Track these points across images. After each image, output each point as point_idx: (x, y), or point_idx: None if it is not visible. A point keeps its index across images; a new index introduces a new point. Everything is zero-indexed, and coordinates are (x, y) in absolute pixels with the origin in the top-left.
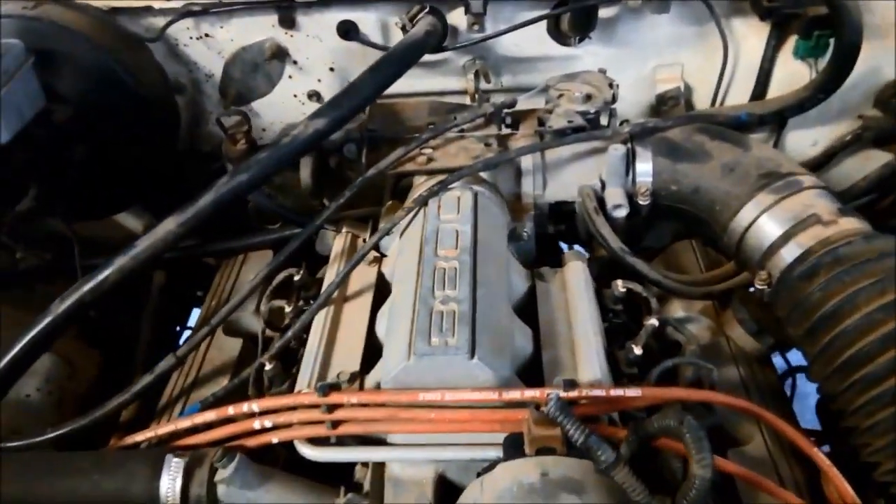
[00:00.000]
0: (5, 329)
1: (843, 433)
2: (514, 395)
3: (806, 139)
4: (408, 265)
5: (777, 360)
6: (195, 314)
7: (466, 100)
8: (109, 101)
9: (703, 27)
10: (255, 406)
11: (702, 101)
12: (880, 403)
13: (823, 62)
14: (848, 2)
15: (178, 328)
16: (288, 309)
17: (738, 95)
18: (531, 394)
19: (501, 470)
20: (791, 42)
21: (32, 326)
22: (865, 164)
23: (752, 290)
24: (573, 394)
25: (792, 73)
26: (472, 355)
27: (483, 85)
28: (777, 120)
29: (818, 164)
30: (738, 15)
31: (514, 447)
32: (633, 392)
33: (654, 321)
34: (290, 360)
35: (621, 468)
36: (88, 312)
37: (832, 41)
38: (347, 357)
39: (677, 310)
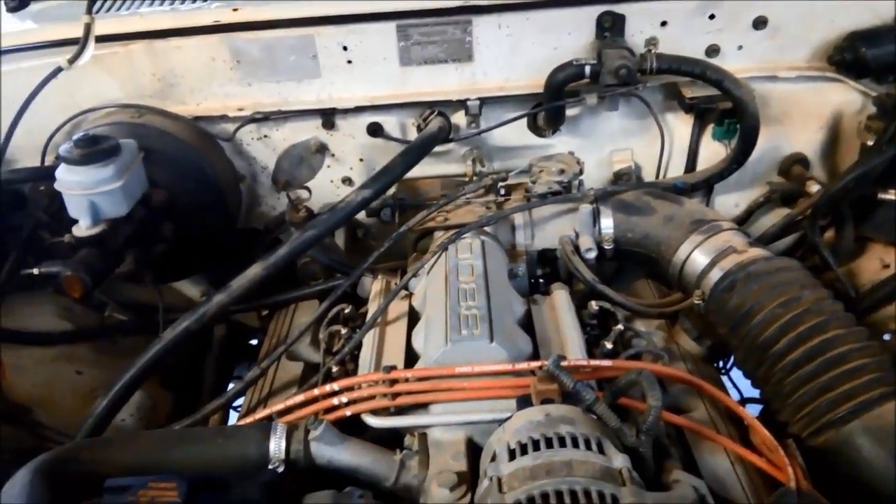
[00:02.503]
0: (93, 369)
1: (764, 403)
2: (523, 365)
3: (730, 201)
4: (437, 291)
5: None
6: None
7: (467, 180)
8: (192, 188)
9: (645, 120)
10: (336, 385)
11: (648, 176)
12: (784, 372)
13: (734, 142)
14: (746, 97)
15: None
16: (343, 332)
17: (675, 170)
18: (535, 364)
19: (516, 417)
20: (710, 128)
21: (148, 350)
22: (776, 219)
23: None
24: (563, 363)
25: (712, 152)
26: (492, 340)
27: (478, 168)
28: (705, 186)
29: (741, 221)
30: (670, 110)
31: (524, 403)
32: (606, 363)
33: (621, 326)
34: (344, 375)
35: (601, 405)
36: (189, 341)
37: (738, 126)
38: (393, 363)
39: (639, 327)
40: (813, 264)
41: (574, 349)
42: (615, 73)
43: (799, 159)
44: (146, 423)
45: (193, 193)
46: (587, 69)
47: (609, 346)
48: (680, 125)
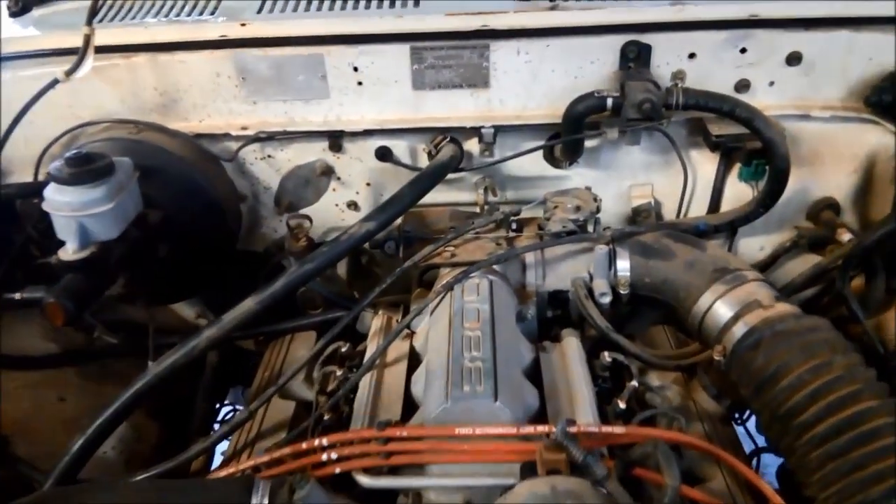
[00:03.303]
0: (77, 396)
1: (789, 473)
2: (528, 429)
3: (754, 245)
4: (439, 336)
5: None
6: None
7: (477, 209)
8: (190, 208)
9: (668, 156)
10: (325, 441)
11: (669, 214)
12: (811, 445)
13: (762, 184)
14: (776, 138)
15: (216, 405)
16: (338, 372)
17: (697, 209)
18: (542, 429)
19: (519, 487)
20: (736, 168)
21: (134, 383)
22: (803, 265)
23: (711, 361)
24: (572, 429)
25: (738, 192)
26: (496, 399)
27: (490, 198)
28: (729, 229)
29: (765, 266)
30: (694, 147)
31: (529, 471)
32: (619, 430)
33: (635, 383)
34: (338, 417)
35: (612, 480)
36: (179, 374)
37: (767, 167)
38: (389, 411)
39: (653, 379)
40: (839, 315)
41: (584, 409)
42: (638, 108)
43: (829, 204)
44: (129, 457)
45: (191, 214)
46: (609, 102)
47: (622, 405)
48: (704, 163)
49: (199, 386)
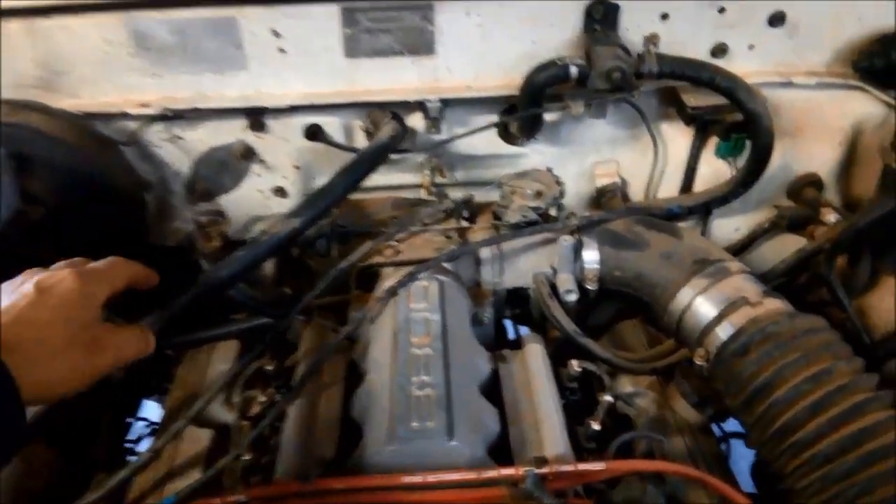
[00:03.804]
0: None
1: (781, 494)
2: (492, 473)
3: (729, 226)
4: (381, 353)
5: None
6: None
7: (422, 193)
8: (81, 201)
9: (635, 129)
10: (243, 497)
11: (636, 194)
12: (811, 466)
13: (741, 160)
14: (760, 110)
15: (128, 420)
16: (262, 398)
17: (668, 188)
18: (507, 472)
19: None
20: (712, 143)
21: None
22: (781, 247)
23: (691, 364)
24: (544, 470)
25: (714, 170)
26: (451, 437)
27: (438, 179)
28: (704, 210)
29: (741, 248)
30: (666, 118)
31: None
32: (597, 466)
33: (608, 398)
34: (263, 448)
35: None
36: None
37: (748, 142)
38: (325, 443)
39: (626, 385)
40: (818, 298)
41: (554, 436)
42: (607, 77)
43: (812, 181)
44: (15, 496)
45: (81, 208)
46: (573, 70)
47: (596, 426)
48: (677, 137)
49: (102, 403)
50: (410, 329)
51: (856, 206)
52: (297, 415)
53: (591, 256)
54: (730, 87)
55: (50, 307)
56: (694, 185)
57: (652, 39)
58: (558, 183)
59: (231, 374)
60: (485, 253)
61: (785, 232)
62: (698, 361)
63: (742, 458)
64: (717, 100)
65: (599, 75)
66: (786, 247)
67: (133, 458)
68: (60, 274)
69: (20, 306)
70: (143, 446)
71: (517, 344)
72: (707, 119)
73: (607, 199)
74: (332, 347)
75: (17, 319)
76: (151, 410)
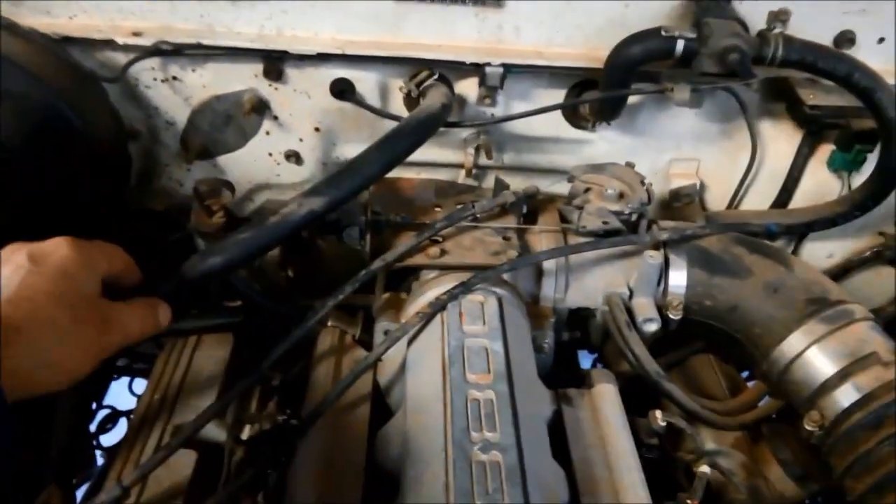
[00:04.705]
0: None
1: None
2: None
3: (822, 250)
4: (425, 387)
5: None
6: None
7: (461, 175)
8: (50, 147)
9: (727, 125)
10: None
11: (714, 201)
12: None
13: (856, 176)
14: None
15: (94, 406)
16: (264, 421)
17: (757, 200)
18: None
19: None
20: (823, 152)
21: None
22: (880, 281)
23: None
24: None
25: (818, 184)
26: None
27: (483, 160)
28: (804, 231)
29: (833, 277)
30: (768, 117)
31: None
32: None
33: (706, 469)
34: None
35: None
36: None
37: (868, 156)
38: (342, 489)
39: (707, 440)
40: None
41: None
42: (721, 58)
43: None
44: None
45: (50, 156)
46: (680, 45)
47: None
48: (780, 140)
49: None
50: (466, 361)
51: None
52: (312, 452)
53: (678, 279)
54: (869, 88)
55: (48, 277)
56: (792, 199)
57: (780, 16)
58: (643, 183)
59: (228, 399)
60: (549, 263)
61: (886, 265)
62: (809, 427)
63: None
64: (843, 99)
65: (712, 55)
66: (884, 281)
67: (98, 453)
68: (53, 241)
69: (16, 280)
70: (108, 439)
71: (576, 374)
72: (826, 122)
73: (682, 205)
74: (357, 374)
75: (16, 294)
76: (119, 397)
